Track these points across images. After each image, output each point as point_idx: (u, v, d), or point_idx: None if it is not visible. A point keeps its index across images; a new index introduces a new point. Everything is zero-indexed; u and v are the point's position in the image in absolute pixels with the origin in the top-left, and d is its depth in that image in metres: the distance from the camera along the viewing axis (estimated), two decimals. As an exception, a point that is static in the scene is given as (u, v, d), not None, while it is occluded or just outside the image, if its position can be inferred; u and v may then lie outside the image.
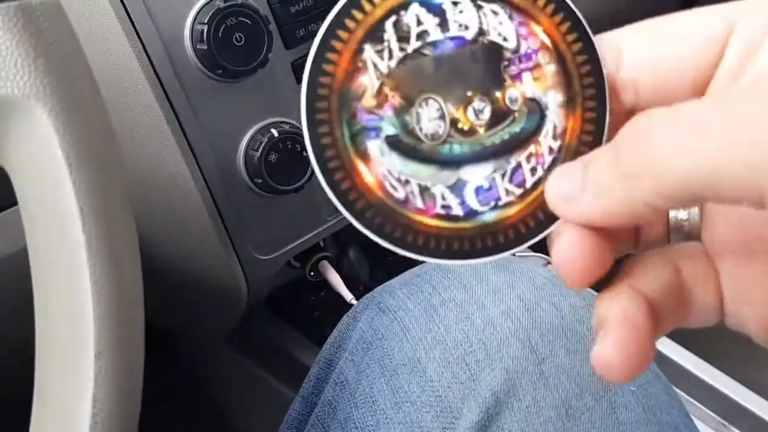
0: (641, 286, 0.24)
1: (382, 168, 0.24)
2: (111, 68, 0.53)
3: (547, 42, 0.26)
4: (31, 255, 0.25)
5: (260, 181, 0.58)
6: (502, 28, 0.25)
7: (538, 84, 0.26)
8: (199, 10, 0.53)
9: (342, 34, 0.24)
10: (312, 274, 0.69)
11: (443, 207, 0.25)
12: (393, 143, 0.25)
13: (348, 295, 0.67)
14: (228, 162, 0.58)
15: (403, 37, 0.25)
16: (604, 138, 0.26)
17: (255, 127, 0.58)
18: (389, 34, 0.25)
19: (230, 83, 0.56)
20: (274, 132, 0.57)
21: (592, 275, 0.24)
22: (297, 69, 0.59)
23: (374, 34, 0.25)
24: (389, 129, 0.25)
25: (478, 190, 0.25)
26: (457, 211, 0.25)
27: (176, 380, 0.80)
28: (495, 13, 0.25)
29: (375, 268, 0.75)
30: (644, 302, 0.24)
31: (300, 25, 0.58)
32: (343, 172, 0.24)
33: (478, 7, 0.25)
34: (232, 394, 0.78)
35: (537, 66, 0.26)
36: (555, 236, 0.25)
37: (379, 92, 0.24)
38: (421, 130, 0.25)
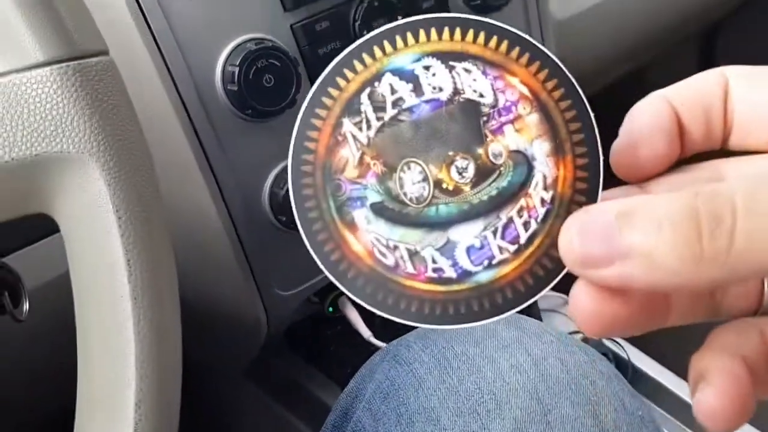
0: (734, 349, 0.24)
1: (369, 236, 0.24)
2: (143, 106, 0.54)
3: (526, 92, 0.25)
4: (76, 301, 0.26)
5: (284, 218, 0.58)
6: (476, 84, 0.25)
7: (521, 135, 0.25)
8: (231, 52, 0.54)
9: (320, 111, 0.25)
10: (331, 309, 0.70)
11: (435, 270, 0.24)
12: (378, 210, 0.25)
13: (366, 332, 0.68)
14: (253, 199, 0.59)
15: (379, 107, 0.25)
16: (600, 184, 0.25)
17: (280, 165, 0.59)
18: (365, 105, 0.25)
19: (258, 122, 0.57)
20: (299, 170, 0.58)
21: (611, 326, 0.23)
22: (323, 109, 0.60)
23: (351, 108, 0.25)
24: (374, 196, 0.25)
25: (469, 249, 0.25)
26: (450, 273, 0.24)
27: (195, 412, 0.81)
28: (467, 71, 0.25)
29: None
30: (741, 359, 0.23)
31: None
32: (333, 244, 0.24)
33: (450, 68, 0.25)
34: (249, 427, 0.78)
35: (518, 117, 0.25)
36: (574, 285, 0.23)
37: (361, 162, 0.25)
38: (405, 194, 0.25)
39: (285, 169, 0.59)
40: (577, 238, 0.22)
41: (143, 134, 0.26)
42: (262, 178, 0.59)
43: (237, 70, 0.54)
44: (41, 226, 0.50)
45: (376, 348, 0.67)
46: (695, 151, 0.26)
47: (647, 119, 0.25)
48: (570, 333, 0.78)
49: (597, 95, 0.58)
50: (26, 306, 0.44)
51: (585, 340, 0.74)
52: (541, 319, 0.67)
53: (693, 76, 0.26)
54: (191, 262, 0.62)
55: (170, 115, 0.54)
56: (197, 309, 0.66)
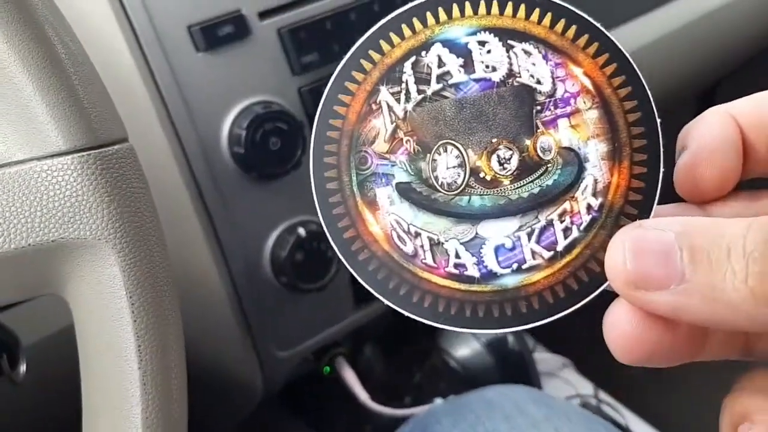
0: None
1: (390, 218, 0.22)
2: (147, 164, 0.55)
3: (589, 85, 0.23)
4: (84, 383, 0.26)
5: (285, 279, 0.58)
6: (535, 69, 0.23)
7: (576, 132, 0.23)
8: (238, 115, 0.55)
9: (357, 75, 0.23)
10: (327, 369, 0.69)
11: (456, 266, 0.22)
12: (404, 191, 0.22)
13: (363, 395, 0.67)
14: (254, 258, 0.59)
15: (422, 79, 0.23)
16: (657, 198, 0.22)
17: (283, 226, 0.59)
18: (408, 75, 0.23)
19: (262, 183, 0.57)
20: (302, 231, 0.58)
21: (648, 356, 0.21)
22: (326, 170, 0.61)
23: (391, 76, 0.23)
24: (402, 176, 0.22)
25: (498, 249, 0.22)
26: (473, 271, 0.22)
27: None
28: (527, 53, 0.23)
29: (390, 365, 0.75)
30: None
31: (332, 129, 0.60)
32: (348, 220, 0.22)
33: (509, 47, 0.23)
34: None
35: (576, 112, 0.23)
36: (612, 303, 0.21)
37: (393, 136, 0.23)
38: (437, 178, 0.22)
39: (287, 230, 0.59)
40: (631, 254, 0.20)
41: (159, 219, 0.26)
42: (264, 238, 0.59)
43: (244, 133, 0.54)
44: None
45: (372, 411, 0.66)
46: (758, 173, 0.24)
47: (714, 132, 0.23)
48: (567, 397, 0.78)
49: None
50: (23, 368, 0.43)
51: (584, 405, 0.74)
52: (540, 383, 0.66)
53: (759, 93, 0.24)
54: (189, 319, 0.62)
55: (175, 175, 0.54)
56: (191, 365, 0.65)
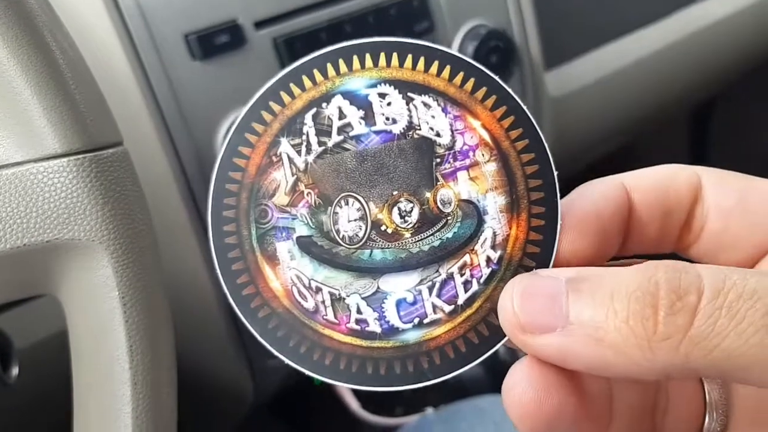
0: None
1: (290, 272, 0.22)
2: (141, 171, 0.55)
3: (487, 137, 0.23)
4: (75, 381, 0.26)
5: (277, 286, 0.59)
6: (434, 122, 0.23)
7: (475, 184, 0.23)
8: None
9: (257, 126, 0.22)
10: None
11: (358, 321, 0.22)
12: (305, 245, 0.22)
13: (354, 404, 0.67)
14: (247, 266, 0.59)
15: (323, 131, 0.22)
16: (555, 251, 0.22)
17: (276, 234, 0.59)
18: (308, 126, 0.22)
19: (256, 191, 0.58)
20: (295, 239, 0.59)
21: (547, 423, 0.20)
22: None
23: (292, 127, 0.22)
24: (302, 229, 0.22)
25: (400, 303, 0.22)
26: (374, 327, 0.22)
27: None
28: (427, 105, 0.23)
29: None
30: None
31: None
32: (247, 276, 0.22)
33: (408, 99, 0.23)
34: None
35: (474, 164, 0.23)
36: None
37: (294, 189, 0.22)
38: (338, 231, 0.22)
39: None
40: (519, 298, 0.20)
41: (152, 222, 0.27)
42: (257, 245, 0.59)
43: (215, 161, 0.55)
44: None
45: (363, 420, 0.67)
46: (644, 251, 0.24)
47: (593, 200, 0.23)
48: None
49: (580, 171, 0.59)
50: (15, 370, 0.44)
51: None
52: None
53: (661, 169, 0.24)
54: (180, 327, 0.62)
55: (170, 182, 0.55)
56: (182, 373, 0.65)
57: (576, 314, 0.19)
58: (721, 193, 0.23)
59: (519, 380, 0.20)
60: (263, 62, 0.57)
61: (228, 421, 0.70)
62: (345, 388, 0.68)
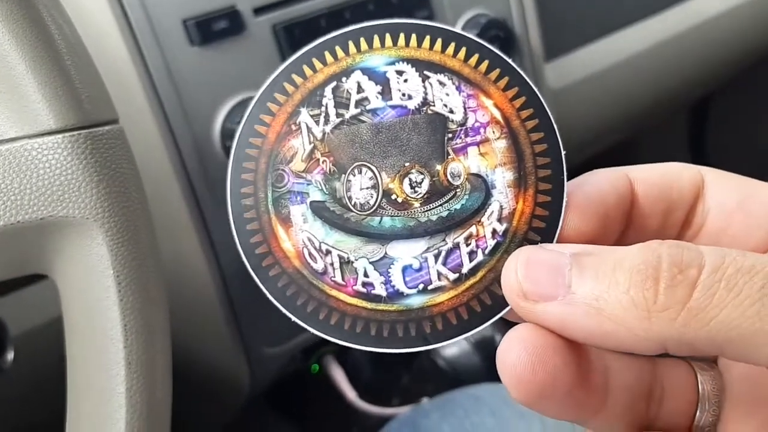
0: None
1: (302, 235, 0.23)
2: (139, 157, 0.55)
3: (498, 116, 0.24)
4: (69, 362, 0.26)
5: (274, 275, 0.59)
6: (448, 99, 0.24)
7: (485, 160, 0.24)
8: (231, 110, 0.55)
9: (279, 96, 0.23)
10: (316, 368, 0.70)
11: (364, 284, 0.23)
12: (318, 210, 0.23)
13: (351, 393, 0.67)
14: (244, 254, 0.59)
15: (341, 103, 0.24)
16: (560, 226, 0.23)
17: (274, 222, 0.59)
18: (328, 98, 0.23)
19: (254, 179, 0.58)
20: (292, 228, 0.58)
21: (540, 392, 0.20)
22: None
23: (312, 99, 0.23)
24: (316, 195, 0.23)
25: (406, 269, 0.23)
26: (380, 290, 0.23)
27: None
28: (441, 84, 0.24)
29: (378, 366, 0.75)
30: None
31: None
32: (261, 236, 0.23)
33: (424, 77, 0.24)
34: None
35: (485, 141, 0.24)
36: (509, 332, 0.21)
37: (311, 156, 0.23)
38: (350, 198, 0.23)
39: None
40: (523, 266, 0.21)
41: (147, 200, 0.27)
42: (254, 233, 0.59)
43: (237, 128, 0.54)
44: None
45: (360, 410, 0.67)
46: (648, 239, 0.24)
47: (596, 186, 0.23)
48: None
49: (586, 162, 0.59)
50: (11, 355, 0.44)
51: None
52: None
53: (666, 165, 0.25)
54: (176, 314, 0.62)
55: (166, 167, 0.54)
56: (178, 361, 0.65)
57: (578, 284, 0.19)
58: (723, 194, 0.23)
59: (514, 345, 0.20)
60: (262, 49, 0.57)
61: (225, 410, 0.70)
62: (342, 378, 0.68)
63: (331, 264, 0.23)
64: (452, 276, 0.23)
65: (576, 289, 0.19)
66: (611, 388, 0.23)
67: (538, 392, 0.20)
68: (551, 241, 0.23)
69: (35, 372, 0.48)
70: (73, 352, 0.26)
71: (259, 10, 0.56)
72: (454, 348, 0.60)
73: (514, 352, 0.20)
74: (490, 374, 0.61)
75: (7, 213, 0.23)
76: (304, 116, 0.23)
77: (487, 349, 0.59)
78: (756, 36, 1.01)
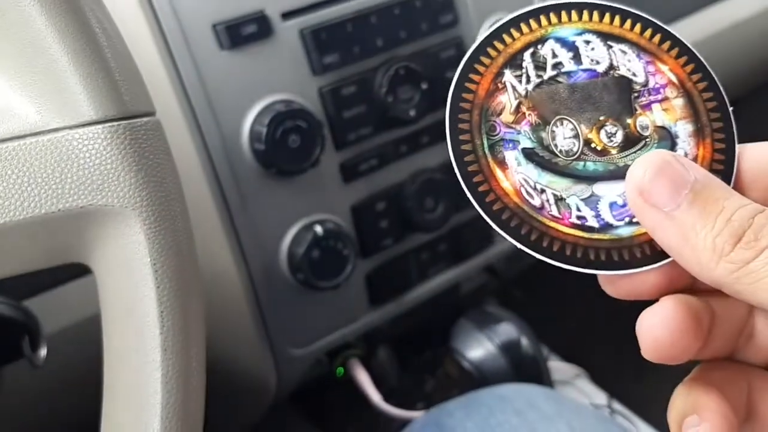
0: (725, 392, 0.25)
1: (518, 176, 0.25)
2: (170, 159, 0.56)
3: (674, 79, 0.27)
4: (106, 348, 0.27)
5: (301, 276, 0.59)
6: (630, 65, 0.27)
7: (667, 114, 0.27)
8: (260, 112, 0.56)
9: (484, 59, 0.27)
10: (341, 371, 0.70)
11: (579, 217, 0.25)
12: (529, 155, 0.26)
13: (375, 396, 0.67)
14: (271, 255, 0.59)
15: (539, 66, 0.27)
16: (735, 167, 0.26)
17: (300, 224, 0.60)
18: (527, 62, 0.27)
19: (280, 180, 0.58)
20: (318, 229, 0.59)
21: (672, 359, 0.24)
22: (345, 169, 0.62)
23: (513, 62, 0.27)
24: (526, 142, 0.26)
25: (612, 205, 0.26)
26: (592, 222, 0.25)
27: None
28: (623, 52, 0.27)
29: (404, 370, 0.75)
30: (730, 405, 0.24)
31: (351, 129, 0.61)
32: (482, 176, 0.25)
33: (609, 46, 0.27)
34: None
35: (665, 99, 0.27)
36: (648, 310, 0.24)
37: (517, 110, 0.26)
38: (556, 146, 0.26)
39: (304, 228, 0.60)
40: (651, 170, 0.24)
41: (182, 191, 0.27)
42: (281, 235, 0.59)
43: (265, 130, 0.55)
44: (61, 271, 0.51)
45: (384, 412, 0.67)
46: None
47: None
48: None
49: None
50: (44, 352, 0.44)
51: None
52: (552, 385, 0.66)
53: None
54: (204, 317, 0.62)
55: (196, 169, 0.55)
56: (207, 365, 0.66)
57: (685, 209, 0.23)
58: None
59: (657, 323, 0.24)
60: (290, 52, 0.57)
61: (252, 412, 0.70)
62: (366, 381, 0.69)
63: (547, 200, 0.25)
64: None
65: (680, 214, 0.23)
66: (713, 333, 0.26)
67: (669, 358, 0.23)
68: (730, 178, 0.26)
69: (68, 369, 0.49)
70: (110, 338, 0.26)
71: (287, 15, 0.57)
72: (479, 350, 0.60)
73: (658, 329, 0.23)
74: (517, 376, 0.61)
75: (49, 201, 0.24)
76: (508, 77, 0.26)
77: (512, 352, 0.59)
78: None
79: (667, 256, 0.25)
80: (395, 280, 0.67)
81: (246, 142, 0.56)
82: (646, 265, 0.25)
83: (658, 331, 0.24)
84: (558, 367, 0.79)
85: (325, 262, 0.59)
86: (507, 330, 0.59)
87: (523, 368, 0.60)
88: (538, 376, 0.59)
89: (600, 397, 0.81)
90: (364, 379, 0.69)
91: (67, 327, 0.51)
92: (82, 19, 0.25)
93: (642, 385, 0.75)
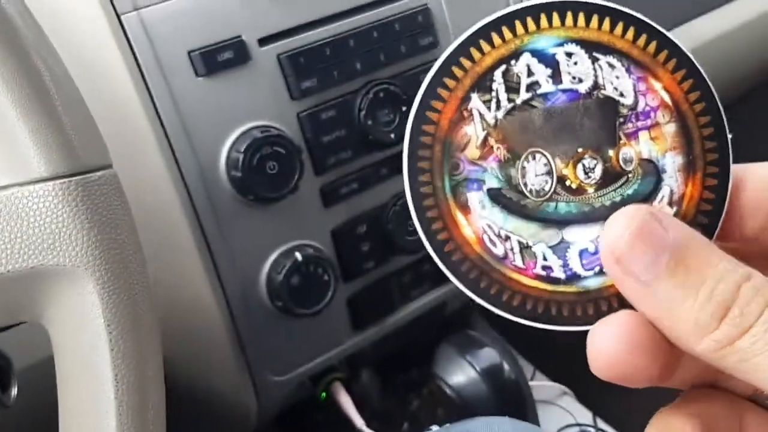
0: (711, 423, 0.23)
1: (482, 221, 0.24)
2: (144, 187, 0.55)
3: (667, 99, 0.24)
4: (61, 410, 0.26)
5: (280, 303, 0.58)
6: (618, 82, 0.24)
7: (655, 144, 0.24)
8: (237, 139, 0.55)
9: (449, 82, 0.24)
10: (324, 395, 0.69)
11: (544, 268, 0.24)
12: (495, 197, 0.24)
13: (359, 421, 0.66)
14: (250, 282, 0.59)
15: (512, 88, 0.24)
16: (725, 209, 0.24)
17: (279, 250, 0.59)
18: (498, 83, 0.24)
19: (258, 207, 0.57)
20: (298, 255, 0.58)
21: (624, 380, 0.22)
22: (325, 193, 0.61)
23: (482, 84, 0.24)
24: (492, 182, 0.24)
25: (582, 252, 0.24)
26: (559, 273, 0.24)
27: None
28: (611, 66, 0.24)
29: (387, 392, 0.74)
30: None
31: (331, 153, 0.60)
32: (441, 223, 0.23)
33: (594, 59, 0.24)
34: None
35: (655, 125, 0.24)
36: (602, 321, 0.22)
37: (484, 143, 0.24)
38: (526, 185, 0.24)
39: (283, 254, 0.59)
40: (630, 232, 0.21)
41: (141, 248, 0.26)
42: (260, 261, 0.59)
43: (242, 156, 0.54)
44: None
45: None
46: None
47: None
48: (566, 426, 0.77)
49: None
50: (14, 391, 0.43)
51: (582, 434, 0.73)
52: (536, 413, 0.66)
53: None
54: (183, 346, 0.61)
55: (172, 197, 0.54)
56: (184, 393, 0.65)
57: (663, 281, 0.21)
58: None
59: (609, 336, 0.22)
60: (267, 78, 0.57)
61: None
62: (349, 405, 0.68)
63: (511, 249, 0.24)
64: None
65: (662, 282, 0.21)
66: (688, 356, 0.23)
67: (622, 378, 0.22)
68: (717, 223, 0.24)
69: (39, 406, 0.47)
70: (65, 400, 0.26)
71: (264, 40, 0.57)
72: (461, 376, 0.59)
73: (607, 343, 0.22)
74: (498, 403, 0.60)
75: (-2, 262, 0.23)
76: (476, 102, 0.24)
77: (495, 378, 0.59)
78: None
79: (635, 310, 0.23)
80: (378, 304, 0.66)
81: (223, 169, 0.55)
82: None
83: (610, 344, 0.22)
84: (543, 386, 0.78)
85: (305, 288, 0.59)
86: (489, 355, 0.58)
87: (506, 394, 0.59)
88: (521, 401, 0.59)
89: (585, 416, 0.80)
90: (347, 402, 0.68)
91: (37, 363, 0.50)
92: (30, 70, 0.24)
93: (629, 405, 0.74)
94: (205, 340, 0.59)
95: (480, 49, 0.24)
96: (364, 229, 0.63)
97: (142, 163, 0.54)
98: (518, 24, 0.24)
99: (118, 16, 0.52)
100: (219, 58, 0.54)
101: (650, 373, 0.22)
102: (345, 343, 0.65)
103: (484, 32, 0.24)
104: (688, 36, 0.88)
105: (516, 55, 0.24)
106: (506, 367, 0.58)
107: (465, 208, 0.24)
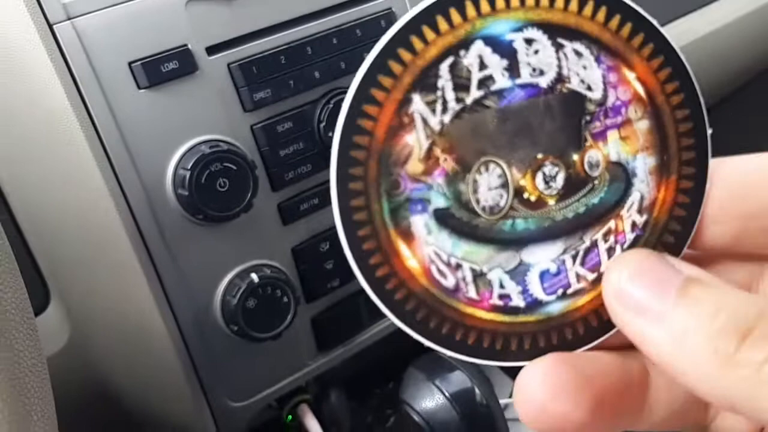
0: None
1: (428, 249, 0.20)
2: (86, 208, 0.52)
3: (641, 92, 0.21)
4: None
5: (236, 327, 0.55)
6: (585, 73, 0.21)
7: (626, 145, 0.21)
8: (183, 155, 0.52)
9: (384, 80, 0.19)
10: (290, 418, 0.66)
11: (501, 297, 0.21)
12: (443, 218, 0.20)
13: (325, 445, 0.63)
14: (203, 307, 0.55)
15: (461, 85, 0.20)
16: (700, 215, 0.21)
17: (234, 271, 0.56)
18: (444, 80, 0.20)
19: (210, 226, 0.54)
20: (254, 277, 0.55)
21: (555, 419, 0.20)
22: (283, 210, 0.57)
23: (425, 81, 0.20)
24: (439, 201, 0.20)
25: (543, 275, 0.21)
26: (518, 301, 0.21)
27: None
28: (578, 54, 0.21)
29: (356, 412, 0.71)
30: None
31: (289, 167, 0.57)
32: (380, 256, 0.20)
33: (558, 47, 0.20)
34: None
35: (626, 122, 0.21)
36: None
37: (429, 155, 0.20)
38: (478, 201, 0.21)
39: (239, 275, 0.55)
40: (629, 276, 0.19)
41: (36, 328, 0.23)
42: (213, 284, 0.55)
43: (188, 174, 0.51)
44: None
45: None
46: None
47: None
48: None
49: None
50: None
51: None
52: (508, 430, 0.62)
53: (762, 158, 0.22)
54: (136, 373, 0.58)
55: (115, 220, 0.51)
56: (143, 421, 0.61)
57: (676, 314, 0.18)
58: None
59: (532, 380, 0.20)
60: (217, 89, 0.53)
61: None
62: (316, 428, 0.65)
63: (463, 279, 0.20)
64: (591, 276, 0.21)
65: (671, 318, 0.18)
66: (654, 399, 0.21)
67: (546, 427, 0.20)
68: (692, 229, 0.21)
69: None
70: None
71: (212, 49, 0.53)
72: (429, 402, 0.56)
73: (530, 388, 0.20)
74: (469, 428, 0.57)
75: None
76: (418, 104, 0.20)
77: (464, 402, 0.56)
78: (763, 45, 0.97)
79: (603, 334, 0.21)
80: (344, 323, 0.63)
81: (170, 188, 0.52)
82: (575, 348, 0.21)
83: (532, 389, 0.20)
84: (511, 403, 0.75)
85: (263, 311, 0.55)
86: (459, 379, 0.55)
87: (477, 419, 0.56)
88: (492, 426, 0.56)
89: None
90: (313, 426, 0.65)
91: None
92: None
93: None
94: (158, 367, 0.56)
95: (422, 38, 0.20)
96: (327, 247, 0.59)
97: (82, 183, 0.51)
98: (469, 4, 0.20)
99: (51, 27, 0.48)
100: (163, 69, 0.51)
101: (576, 421, 0.20)
102: (309, 365, 0.62)
103: (427, 16, 0.20)
104: (676, 32, 0.85)
105: (466, 43, 0.20)
106: (477, 391, 0.55)
107: (408, 235, 0.20)
